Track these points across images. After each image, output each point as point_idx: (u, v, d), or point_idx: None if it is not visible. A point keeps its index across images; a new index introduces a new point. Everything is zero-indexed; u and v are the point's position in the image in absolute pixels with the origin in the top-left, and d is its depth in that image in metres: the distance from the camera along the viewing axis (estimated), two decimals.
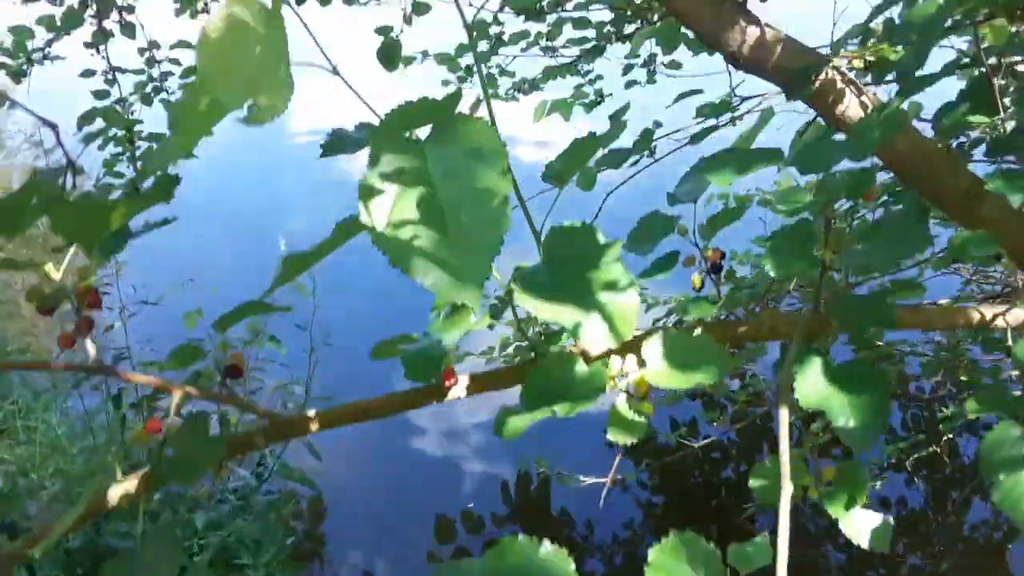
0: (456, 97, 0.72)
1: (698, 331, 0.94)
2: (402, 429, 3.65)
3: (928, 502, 3.12)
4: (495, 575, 0.56)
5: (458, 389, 0.90)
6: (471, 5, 3.07)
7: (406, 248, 0.63)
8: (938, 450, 2.99)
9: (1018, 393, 0.87)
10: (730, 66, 2.31)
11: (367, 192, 0.65)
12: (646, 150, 2.32)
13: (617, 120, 0.94)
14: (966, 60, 1.93)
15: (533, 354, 0.90)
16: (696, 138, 2.09)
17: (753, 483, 0.81)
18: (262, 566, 2.61)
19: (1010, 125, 1.71)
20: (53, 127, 0.68)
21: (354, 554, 3.09)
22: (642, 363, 0.80)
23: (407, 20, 3.18)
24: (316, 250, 0.75)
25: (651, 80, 3.34)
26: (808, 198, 0.85)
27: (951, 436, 3.02)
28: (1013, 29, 1.98)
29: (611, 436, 0.77)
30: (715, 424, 3.25)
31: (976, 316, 0.96)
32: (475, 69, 3.41)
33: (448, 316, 0.92)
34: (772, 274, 0.83)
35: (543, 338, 0.93)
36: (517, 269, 0.82)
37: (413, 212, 0.65)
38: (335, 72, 0.71)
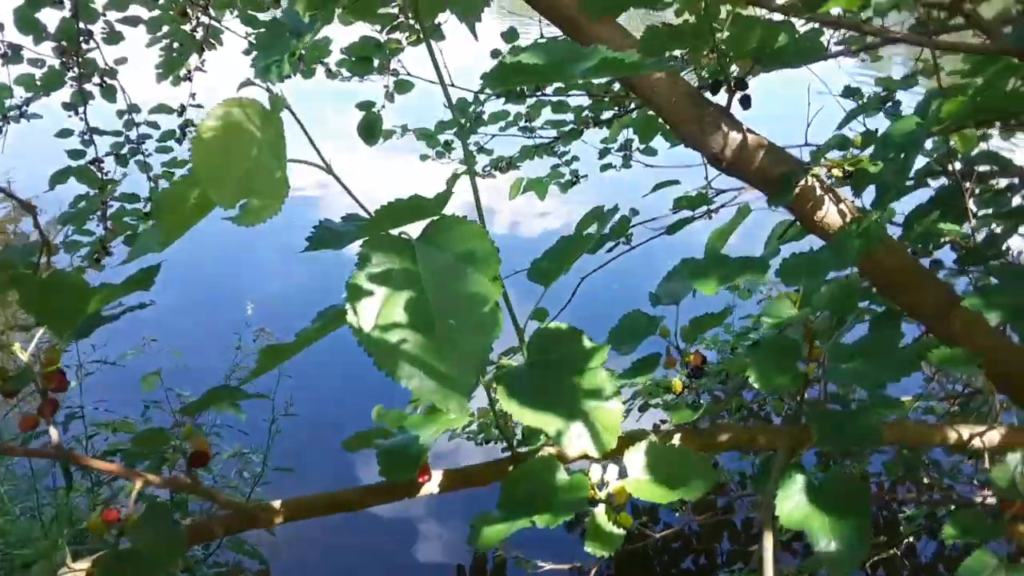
0: (447, 195, 0.72)
1: (678, 437, 0.93)
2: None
3: None
4: None
5: (431, 485, 0.88)
6: (453, 85, 3.12)
7: (392, 351, 0.62)
8: (897, 552, 2.98)
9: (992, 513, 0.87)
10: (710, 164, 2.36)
11: (355, 293, 0.63)
12: (622, 237, 2.35)
13: (598, 216, 0.94)
14: (937, 168, 1.99)
15: (511, 453, 0.88)
16: (672, 229, 2.12)
17: None
18: None
19: (980, 235, 1.76)
20: (31, 209, 0.67)
21: None
22: (623, 472, 0.78)
23: (389, 97, 3.22)
24: (297, 342, 0.73)
25: (626, 165, 3.40)
26: (793, 312, 0.85)
27: (910, 539, 3.00)
28: (979, 133, 2.05)
29: (588, 548, 0.74)
30: (677, 514, 3.22)
31: (953, 435, 0.96)
32: (459, 146, 3.46)
33: (427, 411, 0.90)
34: (756, 386, 0.82)
35: (522, 437, 0.91)
36: (499, 368, 0.81)
37: (401, 315, 0.63)
38: (328, 171, 0.70)
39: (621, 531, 0.75)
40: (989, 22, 1.54)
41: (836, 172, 1.29)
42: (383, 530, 3.46)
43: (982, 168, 1.93)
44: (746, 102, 1.29)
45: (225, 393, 0.81)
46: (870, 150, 1.29)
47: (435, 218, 0.69)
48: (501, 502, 0.77)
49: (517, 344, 0.81)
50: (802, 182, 1.27)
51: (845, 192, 1.41)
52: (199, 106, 3.17)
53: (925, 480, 2.83)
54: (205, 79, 3.25)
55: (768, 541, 0.72)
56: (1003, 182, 2.16)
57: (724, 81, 1.27)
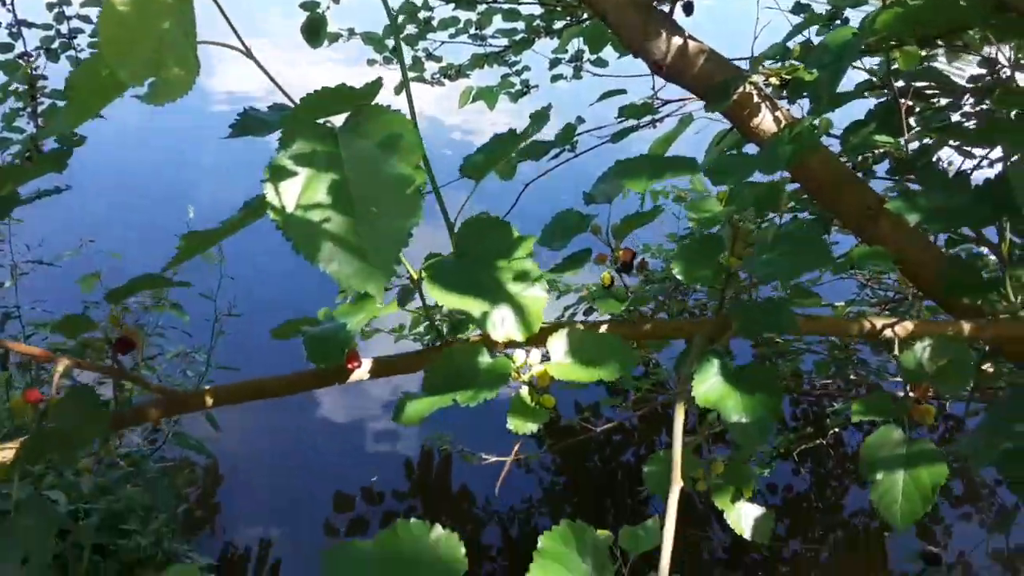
0: (376, 86, 0.71)
1: (604, 328, 0.96)
2: (307, 403, 3.61)
3: (812, 490, 3.28)
4: (386, 558, 0.56)
5: (361, 372, 0.90)
6: None
7: (312, 233, 0.62)
8: (824, 442, 3.16)
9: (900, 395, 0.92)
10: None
11: (277, 173, 0.63)
12: (567, 144, 2.34)
13: (539, 119, 0.94)
14: (876, 82, 2.01)
15: (439, 341, 0.90)
16: (616, 137, 2.12)
17: (647, 471, 0.83)
18: (151, 532, 2.54)
19: (913, 146, 1.80)
20: None
21: (249, 522, 3.04)
22: (546, 356, 0.81)
23: None
24: (220, 229, 0.73)
25: (577, 76, 3.36)
26: (718, 208, 0.87)
27: (837, 430, 3.16)
28: (923, 53, 2.07)
29: (511, 424, 0.77)
30: (618, 409, 3.34)
31: (867, 326, 1.00)
32: (399, 49, 3.38)
33: (354, 300, 0.91)
34: (680, 278, 0.85)
35: (451, 326, 0.93)
36: (428, 258, 0.82)
37: (323, 197, 0.64)
38: (248, 55, 0.69)
39: (544, 409, 0.78)
40: None
41: (773, 80, 1.30)
42: (335, 430, 3.52)
43: (921, 84, 1.96)
44: (688, 8, 1.28)
45: (150, 280, 0.81)
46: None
47: (359, 107, 0.68)
48: (425, 383, 0.79)
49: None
50: (740, 90, 1.28)
51: (783, 102, 1.43)
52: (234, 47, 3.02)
53: (852, 377, 2.97)
54: None
55: (679, 413, 0.76)
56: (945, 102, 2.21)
57: None
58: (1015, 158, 1.06)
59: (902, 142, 1.77)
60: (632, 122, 2.21)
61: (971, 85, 2.11)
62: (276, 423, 3.53)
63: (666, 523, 0.66)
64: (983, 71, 2.21)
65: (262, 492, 3.20)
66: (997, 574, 2.83)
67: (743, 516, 0.86)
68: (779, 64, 1.33)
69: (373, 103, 0.68)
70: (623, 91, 2.34)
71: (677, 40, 1.28)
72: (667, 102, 2.42)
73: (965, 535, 3.06)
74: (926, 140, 1.80)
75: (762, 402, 0.79)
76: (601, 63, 3.21)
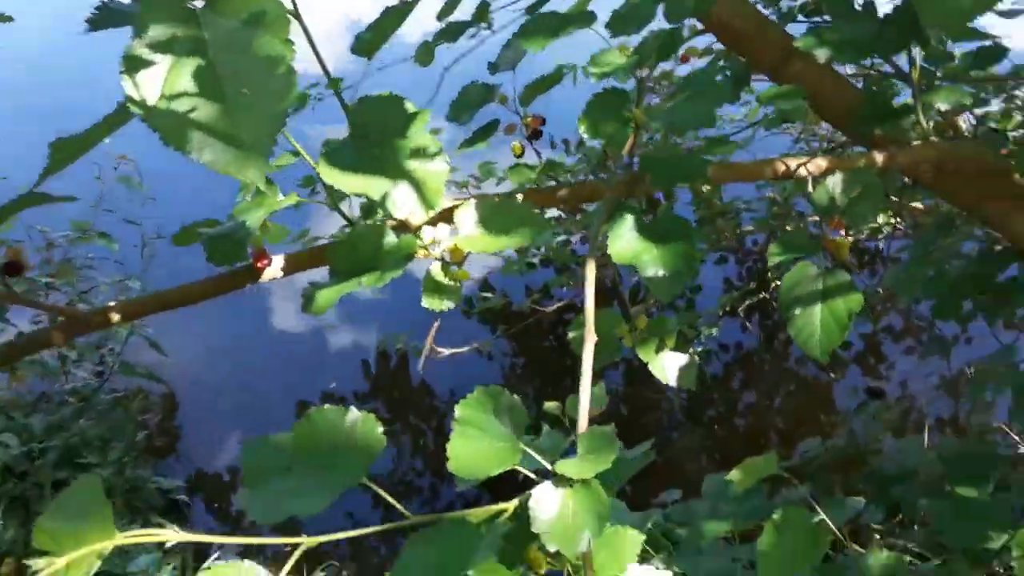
0: None
1: (520, 197, 0.94)
2: (256, 315, 3.58)
3: (760, 344, 3.38)
4: (303, 446, 0.55)
5: (273, 270, 0.87)
6: None
7: (180, 122, 0.58)
8: (767, 296, 3.23)
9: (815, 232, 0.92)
10: None
11: (134, 63, 0.59)
12: (483, 22, 2.27)
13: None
14: None
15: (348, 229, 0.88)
16: (532, 8, 2.04)
17: (571, 335, 0.83)
18: (111, 463, 2.54)
19: None
20: None
21: (212, 443, 3.06)
22: (455, 231, 0.79)
23: None
24: (89, 133, 0.69)
25: None
26: (620, 60, 0.84)
27: (778, 283, 3.25)
28: None
29: (425, 302, 0.76)
30: (566, 288, 3.38)
31: (781, 167, 0.99)
32: None
33: (254, 196, 0.87)
34: (585, 136, 0.83)
35: (362, 212, 0.90)
36: (325, 143, 0.79)
37: (189, 84, 0.60)
38: None
39: (457, 284, 0.77)
40: None
41: None
42: (287, 339, 3.50)
43: None
44: None
45: (33, 198, 0.77)
46: None
47: None
48: (331, 270, 0.77)
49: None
50: None
51: None
52: None
53: (788, 229, 3.02)
54: None
55: (590, 270, 0.75)
56: None
57: None
58: None
59: None
60: None
61: None
62: (227, 339, 3.50)
63: (583, 377, 0.67)
64: None
65: (222, 410, 3.20)
66: (939, 400, 2.97)
67: (667, 365, 0.87)
68: None
69: None
70: None
71: None
72: None
73: (907, 371, 3.20)
74: None
75: (678, 252, 0.78)
76: None
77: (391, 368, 3.33)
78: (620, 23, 0.90)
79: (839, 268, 0.84)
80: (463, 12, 2.01)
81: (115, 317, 0.79)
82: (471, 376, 3.12)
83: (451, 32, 2.13)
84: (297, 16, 0.75)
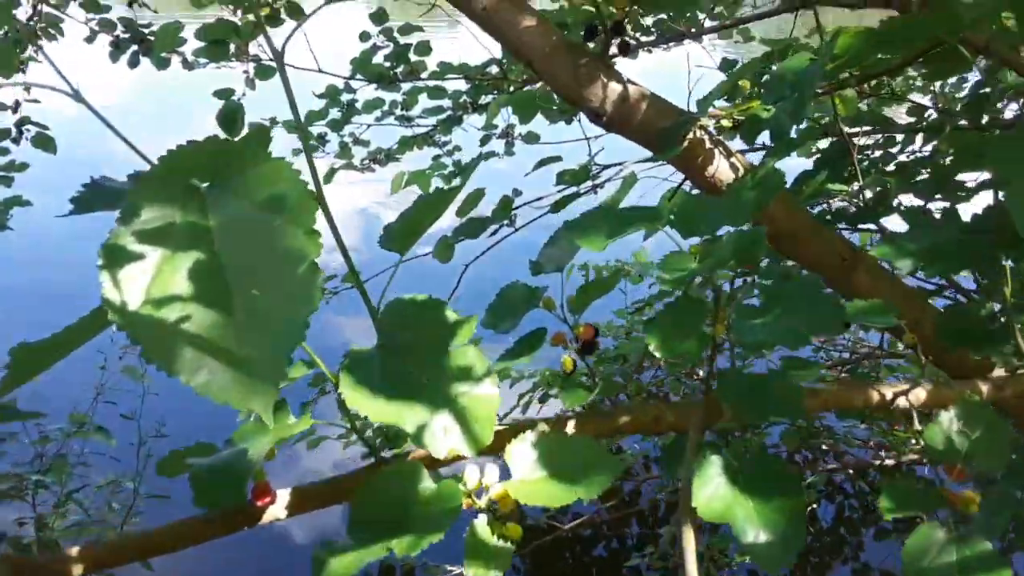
0: (262, 135, 0.54)
1: (572, 424, 0.79)
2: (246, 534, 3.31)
3: (791, 568, 3.07)
4: None
5: (277, 509, 0.71)
6: (320, 71, 2.92)
7: (169, 333, 0.45)
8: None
9: (925, 484, 0.76)
10: (590, 133, 2.23)
11: (115, 256, 0.46)
12: (506, 219, 2.21)
13: (466, 171, 0.79)
14: (819, 129, 1.94)
15: (372, 459, 0.72)
16: (557, 206, 1.99)
17: None
18: None
19: (869, 193, 1.70)
20: None
21: None
22: (506, 473, 0.63)
23: (250, 84, 2.99)
24: (57, 340, 0.55)
25: (509, 152, 3.26)
26: (693, 264, 0.72)
27: (813, 505, 2.99)
28: (863, 106, 2.01)
29: (469, 571, 0.59)
30: (585, 502, 3.12)
31: (876, 396, 0.85)
32: (334, 138, 3.24)
33: (259, 417, 0.72)
34: (657, 355, 0.69)
35: (384, 437, 0.75)
36: (347, 355, 0.65)
37: (184, 285, 0.46)
38: (78, 97, 0.52)
39: (509, 545, 0.60)
40: None
41: (725, 123, 1.17)
42: (289, 549, 3.23)
43: (859, 129, 1.89)
44: (625, 48, 1.16)
45: None
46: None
47: (230, 158, 0.52)
48: (351, 524, 0.60)
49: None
50: (689, 136, 1.16)
51: (735, 145, 1.31)
52: (36, 101, 2.86)
53: (823, 447, 2.83)
54: (44, 71, 2.95)
55: (689, 540, 0.59)
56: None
57: (600, 27, 1.14)
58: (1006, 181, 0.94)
59: (856, 189, 1.68)
60: (572, 189, 2.09)
61: (912, 126, 2.06)
62: (221, 545, 3.22)
63: None
64: (912, 118, 2.17)
65: None
66: None
67: None
68: (729, 104, 1.21)
69: (249, 150, 0.51)
70: (559, 158, 2.23)
71: (615, 86, 1.15)
72: (605, 166, 2.32)
73: None
74: (878, 187, 1.72)
75: (781, 510, 0.62)
76: (533, 137, 3.12)
77: None
78: (689, 224, 0.78)
79: (976, 534, 0.67)
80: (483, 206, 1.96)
81: (76, 569, 0.62)
82: None
83: (472, 228, 2.07)
84: (322, 201, 0.63)
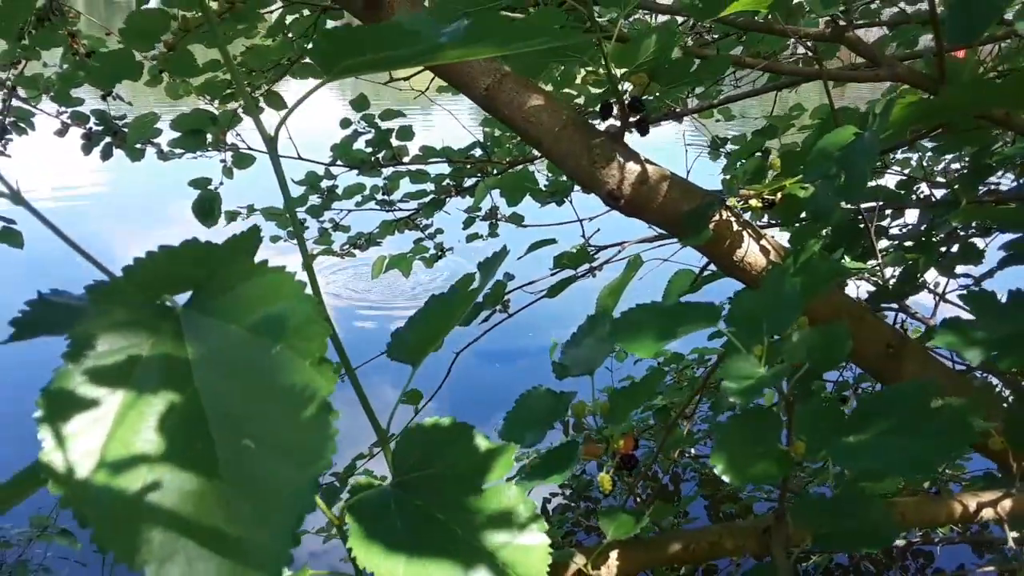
0: (249, 239, 0.43)
1: (615, 555, 0.66)
2: None
3: None
4: None
5: None
6: (300, 158, 2.85)
7: (130, 511, 0.33)
8: None
9: None
10: (583, 214, 2.15)
11: (59, 404, 0.34)
12: (497, 305, 2.10)
13: (489, 267, 0.68)
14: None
15: None
16: (554, 290, 1.89)
17: None
18: None
19: (888, 271, 1.62)
20: None
21: None
22: None
23: (227, 172, 2.91)
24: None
25: (493, 233, 3.20)
26: (760, 371, 0.61)
27: None
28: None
29: None
30: None
31: (959, 508, 0.74)
32: (313, 225, 3.15)
33: None
34: (727, 480, 0.57)
35: None
36: (353, 491, 0.53)
37: (153, 439, 0.35)
38: (16, 199, 0.41)
39: None
40: (875, 49, 1.42)
41: (754, 203, 1.08)
42: None
43: (874, 204, 1.82)
44: (643, 127, 1.07)
45: None
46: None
47: (214, 267, 0.40)
48: None
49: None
50: (716, 217, 1.07)
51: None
52: (3, 195, 2.75)
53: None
54: (10, 164, 2.86)
55: None
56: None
57: (615, 104, 1.06)
58: None
59: (876, 267, 1.59)
60: (568, 272, 1.99)
61: (924, 201, 1.99)
62: None
63: None
64: (901, 191, 2.12)
65: None
66: None
67: None
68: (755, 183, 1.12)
69: (239, 260, 0.40)
70: (553, 240, 2.14)
71: (633, 166, 1.06)
72: (602, 248, 2.23)
73: None
74: (899, 263, 1.64)
75: None
76: (517, 219, 3.05)
77: None
78: (747, 321, 0.68)
79: None
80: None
81: None
82: None
83: (464, 316, 1.95)
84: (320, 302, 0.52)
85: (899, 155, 2.69)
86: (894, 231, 1.90)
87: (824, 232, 1.87)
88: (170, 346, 0.38)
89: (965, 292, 0.90)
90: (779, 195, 1.02)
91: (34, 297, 0.48)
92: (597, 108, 1.09)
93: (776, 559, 0.57)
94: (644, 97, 1.04)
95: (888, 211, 1.97)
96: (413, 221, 3.31)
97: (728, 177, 1.14)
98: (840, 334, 0.60)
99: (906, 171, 2.51)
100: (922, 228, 1.67)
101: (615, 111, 1.05)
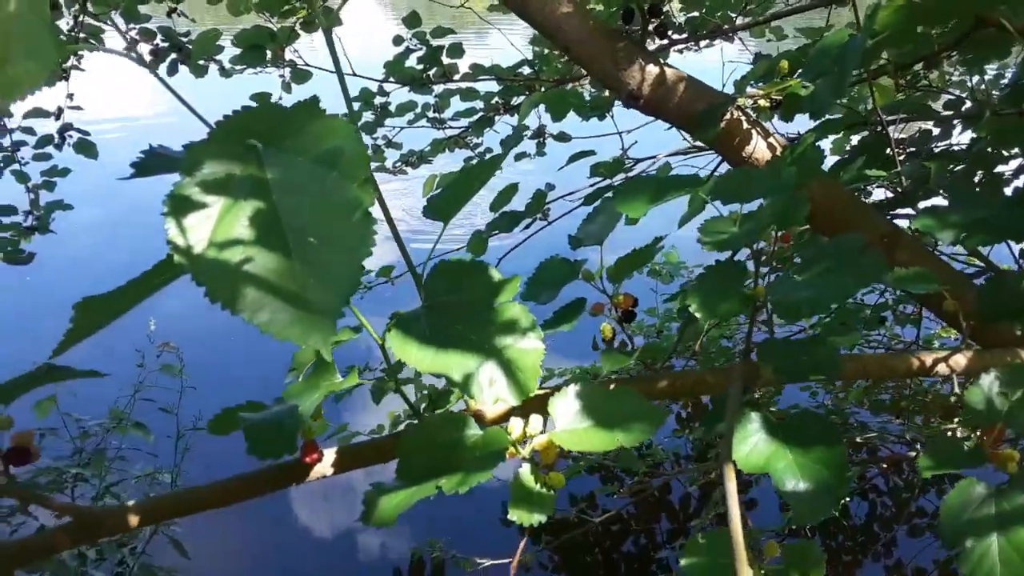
0: (313, 103, 0.57)
1: (612, 388, 0.80)
2: (284, 517, 3.36)
3: (825, 566, 3.04)
4: None
5: (323, 467, 0.73)
6: (354, 74, 2.96)
7: (232, 275, 0.47)
8: (835, 514, 2.95)
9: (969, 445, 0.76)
10: (623, 127, 2.24)
11: (180, 204, 0.48)
12: (539, 212, 2.22)
13: (508, 144, 0.80)
14: (860, 119, 1.93)
15: (414, 420, 0.73)
16: (590, 198, 2.00)
17: (685, 563, 0.66)
18: None
19: (906, 181, 1.69)
20: None
21: None
22: (549, 423, 0.65)
23: (286, 88, 3.04)
24: (124, 291, 0.57)
25: (540, 152, 3.27)
26: (734, 228, 0.73)
27: (847, 500, 2.98)
28: (900, 96, 2.00)
29: (513, 516, 0.60)
30: (615, 496, 3.15)
31: (916, 363, 0.85)
32: (369, 141, 3.28)
33: (308, 377, 0.74)
34: (698, 316, 0.70)
35: (430, 402, 0.76)
36: (394, 315, 0.67)
37: (245, 231, 0.48)
38: (142, 62, 0.54)
39: (551, 493, 0.61)
40: None
41: (763, 102, 1.18)
42: (316, 544, 3.28)
43: (896, 117, 1.88)
44: (662, 32, 1.17)
45: (48, 373, 0.64)
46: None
47: (285, 119, 0.54)
48: (400, 469, 0.62)
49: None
50: (727, 116, 1.17)
51: (772, 126, 1.31)
52: (78, 108, 2.94)
53: (858, 439, 2.80)
54: (86, 80, 3.03)
55: (731, 483, 0.59)
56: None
57: (637, 8, 1.16)
58: None
59: (894, 175, 1.67)
60: (606, 182, 2.10)
61: (951, 113, 2.04)
62: (251, 542, 3.27)
63: None
64: (950, 112, 2.15)
65: None
66: None
67: None
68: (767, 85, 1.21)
69: (302, 108, 0.53)
70: (592, 152, 2.24)
71: (653, 68, 1.17)
72: (639, 160, 2.32)
73: None
74: (917, 172, 1.71)
75: (822, 459, 0.63)
76: (564, 137, 3.13)
77: None
78: (729, 193, 0.79)
79: (1016, 488, 0.68)
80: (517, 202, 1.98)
81: (133, 519, 0.65)
82: None
83: (506, 222, 2.08)
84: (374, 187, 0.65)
85: (955, 76, 2.69)
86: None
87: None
88: (255, 170, 0.51)
89: (948, 183, 1.00)
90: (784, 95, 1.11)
91: (145, 149, 0.63)
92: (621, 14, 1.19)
93: (731, 389, 0.70)
94: (683, 13, 1.13)
95: (918, 131, 2.03)
96: (463, 139, 3.39)
97: (740, 79, 1.23)
98: (800, 201, 0.71)
99: (962, 92, 2.52)
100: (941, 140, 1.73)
101: (636, 17, 1.15)
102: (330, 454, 0.72)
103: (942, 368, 0.84)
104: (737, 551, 0.53)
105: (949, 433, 0.78)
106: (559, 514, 3.10)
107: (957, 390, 0.79)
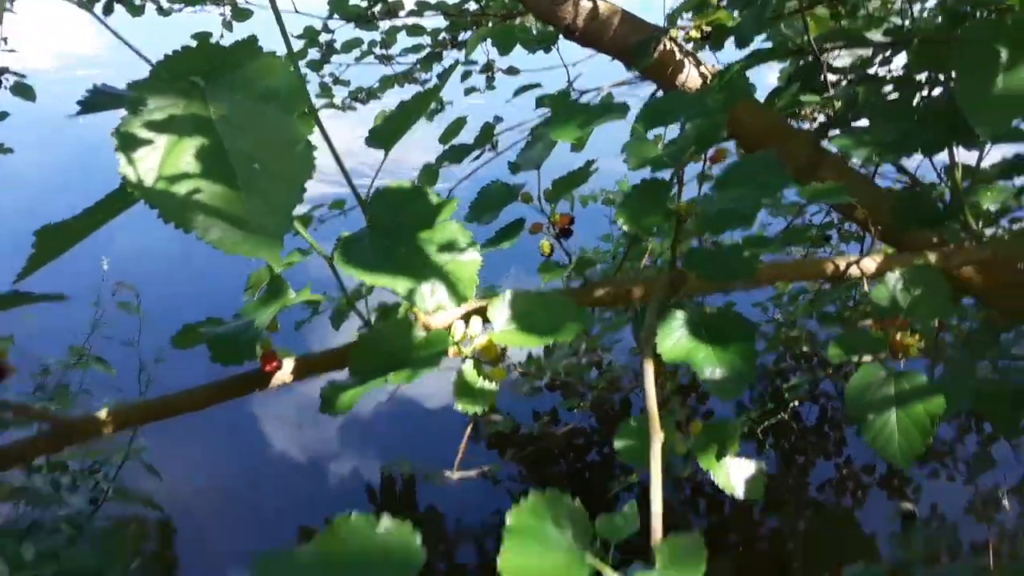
0: (252, 41, 0.60)
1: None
2: (256, 440, 3.44)
3: (779, 466, 3.24)
4: (327, 562, 0.44)
5: (283, 374, 0.78)
6: (296, 12, 2.92)
7: (183, 202, 0.51)
8: (785, 416, 3.14)
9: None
10: (568, 60, 2.27)
11: (128, 141, 0.52)
12: (487, 144, 2.26)
13: (444, 76, 0.85)
14: (792, 46, 1.98)
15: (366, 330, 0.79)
16: (539, 128, 2.03)
17: (618, 444, 0.73)
18: None
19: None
20: None
21: (210, 573, 2.85)
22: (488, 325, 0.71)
23: (227, 26, 3.00)
24: (81, 219, 0.61)
25: (490, 86, 3.27)
26: (657, 150, 0.78)
27: (795, 405, 3.16)
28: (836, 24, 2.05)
29: (458, 406, 0.67)
30: (575, 411, 3.29)
31: (830, 267, 0.93)
32: (314, 80, 3.25)
33: (263, 295, 0.79)
34: (625, 228, 0.76)
35: (382, 314, 0.82)
36: (339, 238, 0.72)
37: (192, 164, 0.52)
38: (79, 2, 0.57)
39: (493, 386, 0.68)
40: None
41: (694, 34, 1.23)
42: (288, 465, 3.36)
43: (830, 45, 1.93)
44: None
45: (11, 298, 0.68)
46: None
47: (225, 57, 0.57)
48: (353, 368, 0.68)
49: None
50: (661, 48, 1.21)
51: (704, 58, 1.36)
52: (12, 51, 2.88)
53: (805, 348, 2.94)
54: (15, 21, 2.97)
55: (649, 367, 0.66)
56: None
57: None
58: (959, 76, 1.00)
59: (827, 100, 1.73)
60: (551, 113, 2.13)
61: (886, 41, 2.10)
62: (224, 465, 3.35)
63: (652, 484, 0.56)
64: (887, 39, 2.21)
65: (221, 538, 3.01)
66: (971, 522, 2.82)
67: (732, 474, 0.77)
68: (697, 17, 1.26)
69: (240, 47, 0.57)
70: (538, 84, 2.27)
71: (586, 3, 1.20)
72: (584, 92, 2.36)
73: (931, 492, 3.05)
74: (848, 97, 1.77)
75: (736, 351, 0.70)
76: (513, 71, 3.13)
77: (397, 494, 3.17)
78: (655, 117, 0.85)
79: (912, 370, 0.75)
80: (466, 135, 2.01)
81: (108, 425, 0.70)
82: (478, 502, 2.98)
83: (455, 154, 2.11)
84: (318, 122, 0.69)
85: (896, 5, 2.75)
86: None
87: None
88: (198, 107, 0.55)
89: (872, 102, 1.06)
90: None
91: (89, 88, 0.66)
92: None
93: (654, 296, 0.76)
94: None
95: (858, 60, 2.08)
96: (412, 75, 3.37)
97: (672, 11, 1.28)
98: (718, 124, 0.77)
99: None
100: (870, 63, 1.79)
101: None
102: (289, 363, 0.78)
103: (854, 271, 0.91)
104: (651, 420, 0.60)
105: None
106: (524, 429, 3.24)
107: (866, 289, 0.86)
